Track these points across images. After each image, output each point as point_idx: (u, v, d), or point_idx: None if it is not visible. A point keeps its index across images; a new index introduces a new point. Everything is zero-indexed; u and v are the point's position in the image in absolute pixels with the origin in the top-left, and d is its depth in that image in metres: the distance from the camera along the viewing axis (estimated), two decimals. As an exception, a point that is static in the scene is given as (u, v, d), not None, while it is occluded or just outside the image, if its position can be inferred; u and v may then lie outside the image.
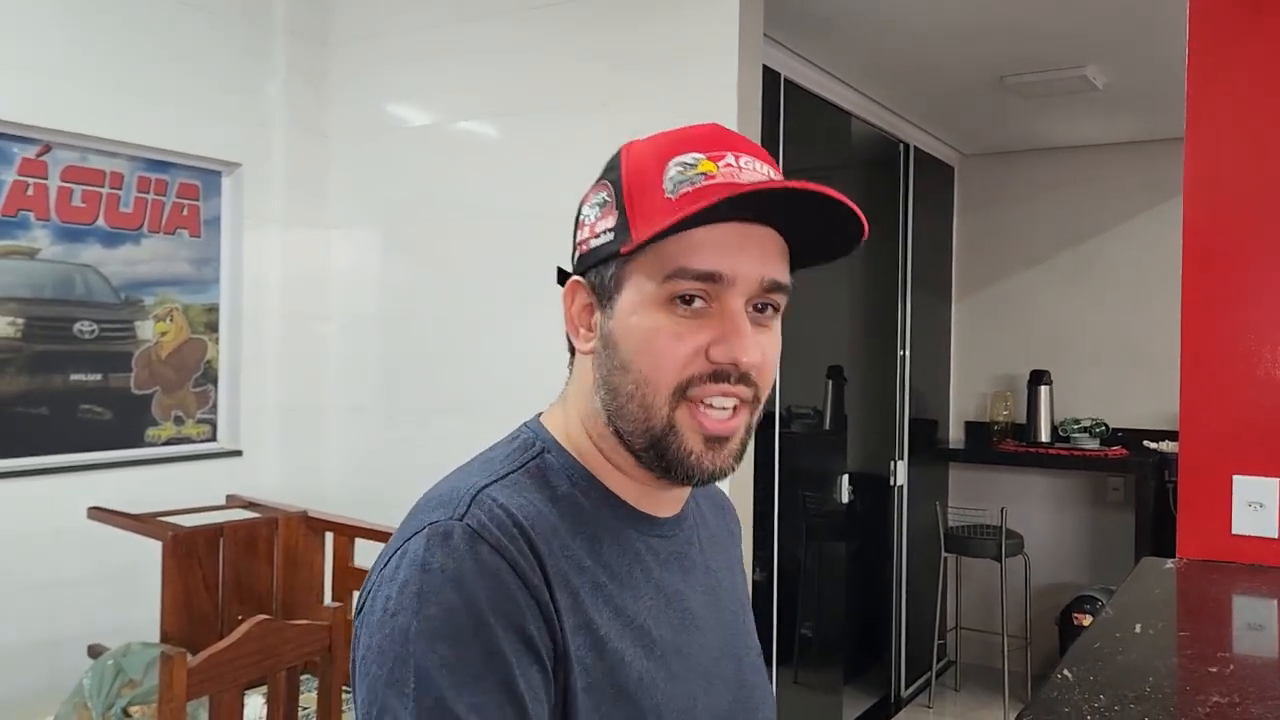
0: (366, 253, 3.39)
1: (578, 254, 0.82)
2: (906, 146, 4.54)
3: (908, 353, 4.60)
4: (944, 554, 4.62)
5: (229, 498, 2.87)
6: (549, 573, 0.71)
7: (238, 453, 3.19)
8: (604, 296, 0.79)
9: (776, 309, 0.79)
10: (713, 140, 0.78)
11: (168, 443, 3.05)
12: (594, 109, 2.90)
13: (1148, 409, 4.51)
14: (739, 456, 0.79)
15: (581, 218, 0.82)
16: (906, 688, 4.61)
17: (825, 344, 4.24)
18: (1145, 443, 4.47)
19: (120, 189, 2.92)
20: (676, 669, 0.78)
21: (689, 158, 0.76)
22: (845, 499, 3.96)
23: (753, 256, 0.76)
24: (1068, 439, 4.68)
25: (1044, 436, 4.72)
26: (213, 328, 3.19)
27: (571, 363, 0.84)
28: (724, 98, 2.73)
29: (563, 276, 0.84)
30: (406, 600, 0.68)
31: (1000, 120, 4.40)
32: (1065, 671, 1.31)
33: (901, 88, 3.97)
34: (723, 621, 0.87)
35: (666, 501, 0.84)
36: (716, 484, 1.00)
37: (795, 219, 0.77)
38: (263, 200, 3.26)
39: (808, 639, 3.92)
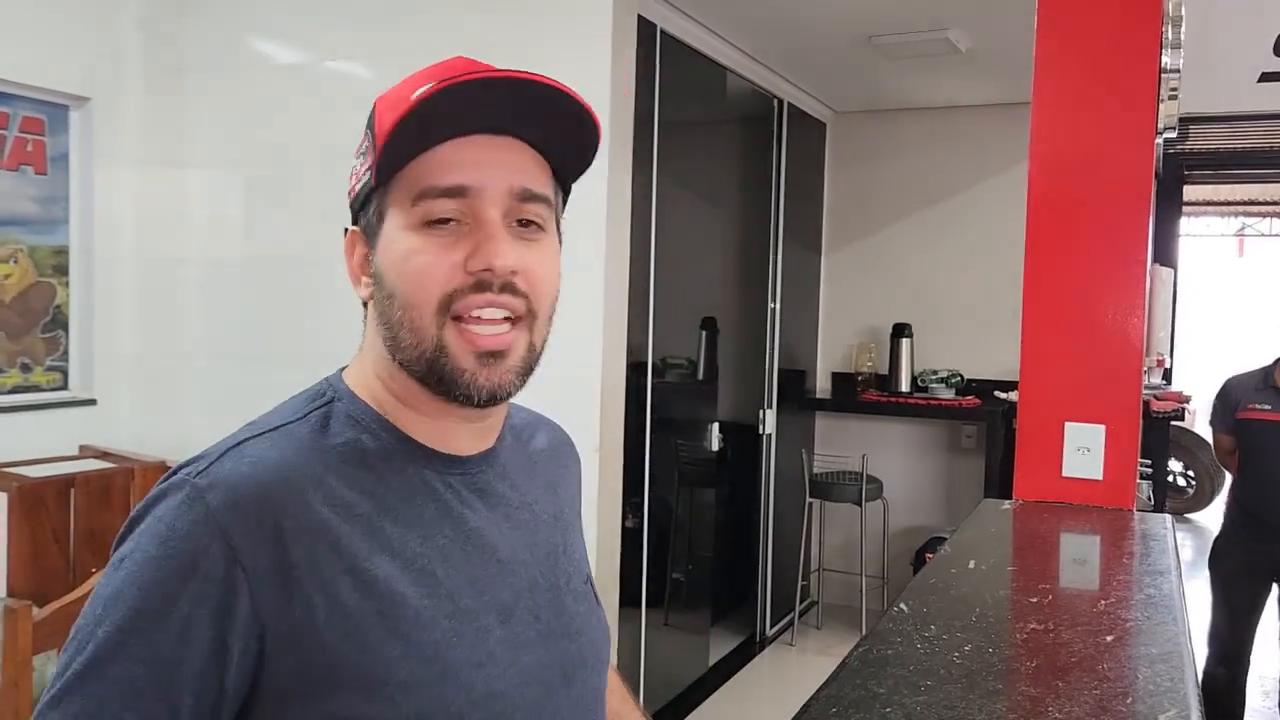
0: (228, 195, 3.27)
1: (349, 204, 0.84)
2: (780, 102, 4.62)
3: (778, 305, 4.72)
4: (808, 499, 4.80)
5: (82, 448, 2.78)
6: (289, 529, 0.73)
7: (91, 401, 3.07)
8: (371, 237, 0.81)
9: (541, 225, 0.81)
10: (457, 68, 0.78)
11: (13, 391, 2.91)
12: (464, 52, 2.85)
13: (1000, 361, 4.75)
14: (522, 374, 0.80)
15: (351, 171, 0.84)
16: (771, 627, 4.80)
17: (699, 296, 4.31)
18: (996, 393, 4.71)
19: (-44, 121, 2.75)
20: (466, 604, 0.79)
21: (424, 87, 0.75)
22: (716, 447, 4.07)
23: (500, 167, 0.78)
24: (926, 389, 4.89)
25: (904, 387, 4.93)
26: (62, 270, 3.05)
27: (365, 314, 0.85)
28: (598, 47, 2.73)
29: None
30: (116, 556, 0.74)
31: (870, 79, 4.51)
32: (902, 605, 1.40)
33: (776, 44, 4.03)
34: (539, 554, 0.88)
35: (469, 437, 0.85)
36: (553, 421, 1.02)
37: (543, 127, 0.79)
38: (115, 137, 3.11)
39: (678, 582, 4.04)
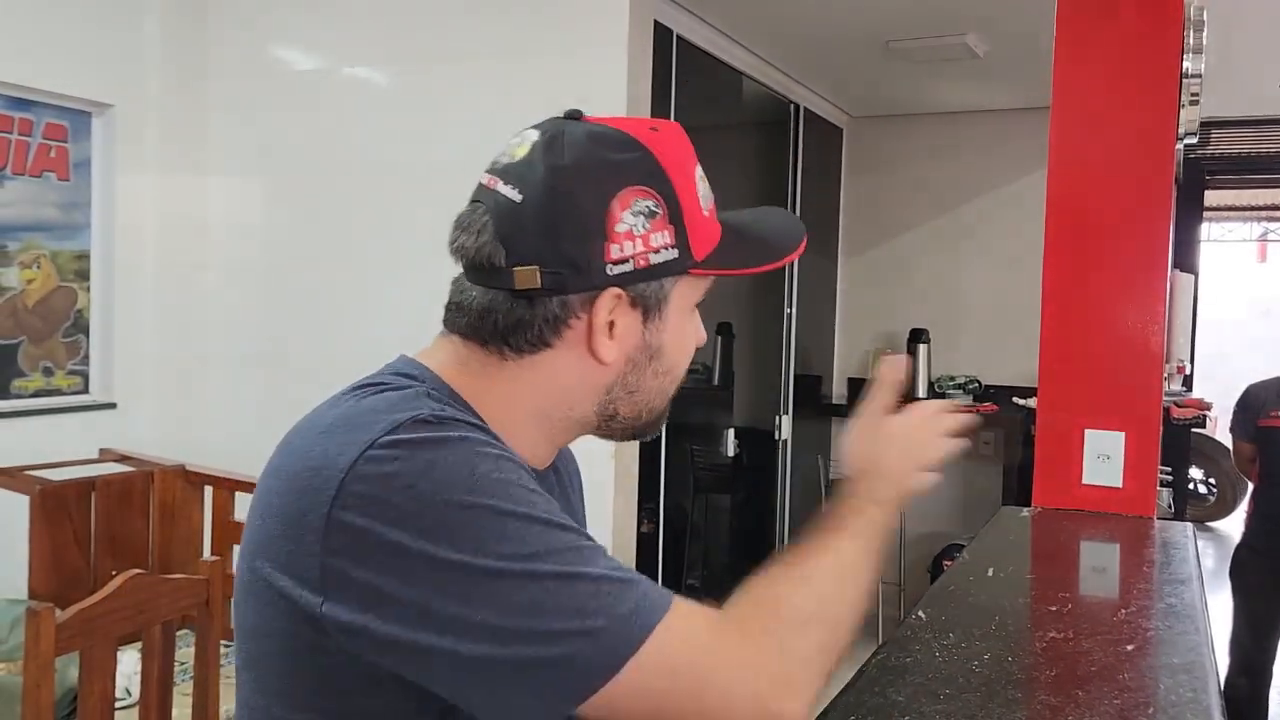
0: (248, 201, 3.30)
1: (630, 266, 0.78)
2: (797, 107, 4.61)
3: (794, 310, 4.71)
4: (825, 505, 4.77)
5: (102, 451, 2.80)
6: None
7: (112, 405, 3.10)
8: (651, 308, 0.82)
9: None
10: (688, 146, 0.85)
11: (36, 395, 2.94)
12: (483, 62, 2.87)
13: (1018, 367, 4.72)
14: None
15: (622, 227, 0.78)
16: (787, 634, 4.77)
17: (714, 301, 4.30)
18: (1014, 399, 4.68)
19: (-20, 128, 2.78)
20: None
21: (698, 170, 0.84)
22: (731, 452, 4.06)
23: None
24: (943, 395, 4.87)
25: (921, 393, 4.91)
26: (84, 276, 3.08)
27: (516, 351, 0.80)
28: (615, 53, 2.74)
29: (548, 278, 0.77)
30: (442, 471, 0.68)
31: (886, 84, 4.50)
32: (920, 612, 1.39)
33: (792, 49, 4.02)
34: None
35: (549, 459, 0.90)
36: None
37: None
38: (137, 144, 3.14)
39: (693, 588, 4.03)
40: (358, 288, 3.04)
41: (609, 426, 0.85)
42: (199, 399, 3.28)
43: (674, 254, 0.79)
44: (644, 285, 0.80)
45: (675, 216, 0.79)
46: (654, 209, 0.78)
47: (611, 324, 0.80)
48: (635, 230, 0.78)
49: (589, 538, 0.73)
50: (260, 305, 3.25)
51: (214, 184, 3.30)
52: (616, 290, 0.79)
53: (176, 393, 3.25)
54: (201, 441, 3.21)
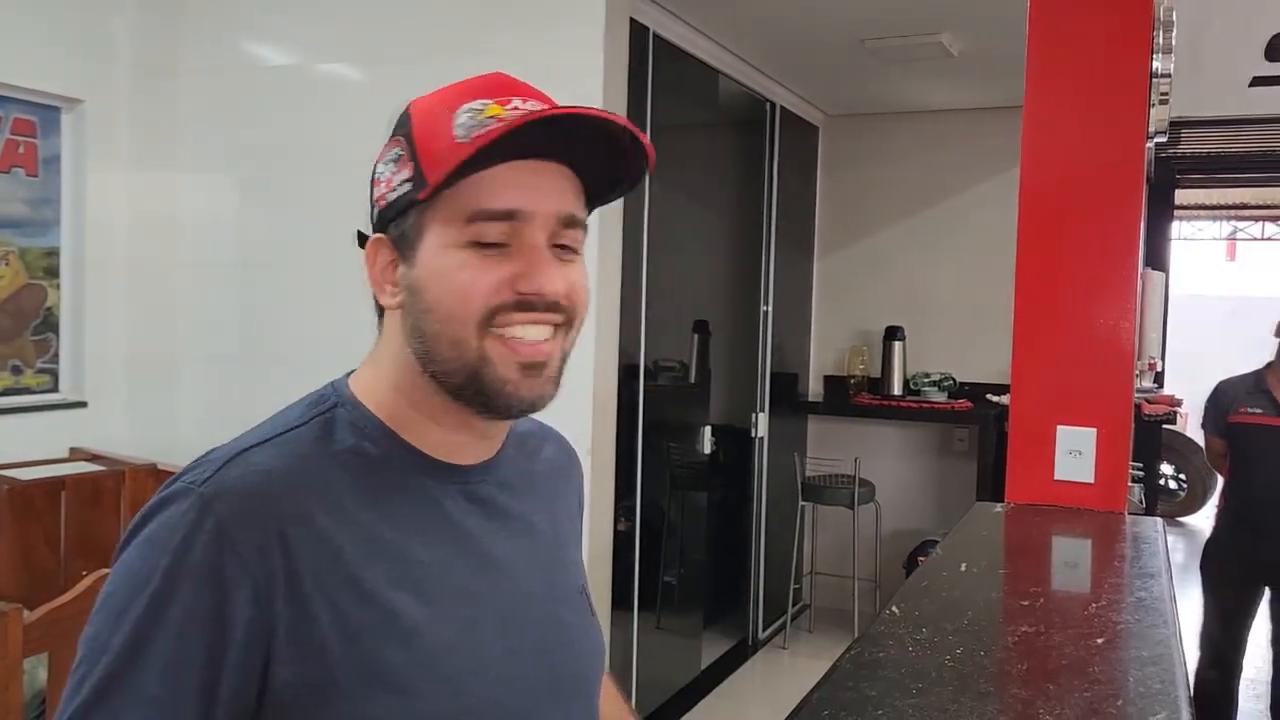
0: (221, 198, 3.27)
1: (376, 211, 0.83)
2: (773, 106, 4.62)
3: (770, 308, 4.72)
4: (801, 502, 4.80)
5: (72, 450, 2.77)
6: (295, 538, 0.73)
7: (82, 404, 3.06)
8: (406, 248, 0.80)
9: (576, 250, 0.82)
10: (498, 87, 0.81)
11: (4, 393, 2.90)
12: (458, 58, 2.86)
13: (991, 364, 4.76)
14: (556, 382, 0.82)
15: (376, 176, 0.83)
16: (764, 630, 4.80)
17: (691, 299, 4.31)
18: (988, 396, 4.72)
19: (-54, 123, 2.74)
20: (464, 613, 0.80)
21: (476, 104, 0.78)
22: (708, 450, 4.07)
23: (549, 193, 0.79)
24: (918, 392, 4.90)
25: (897, 390, 4.94)
26: (53, 273, 3.04)
27: (380, 322, 0.85)
28: (590, 51, 2.73)
29: (363, 240, 0.85)
30: (121, 564, 0.74)
31: (862, 83, 4.52)
32: (894, 608, 1.40)
33: (768, 47, 4.03)
34: (536, 565, 0.89)
35: (478, 447, 0.86)
36: (559, 433, 1.03)
37: (585, 153, 0.80)
38: (107, 140, 3.10)
39: (670, 586, 4.04)
40: (331, 285, 3.01)
41: (451, 387, 0.80)
42: (170, 398, 3.25)
43: (409, 186, 0.79)
44: (396, 226, 0.81)
45: (413, 153, 0.79)
46: (399, 153, 0.81)
47: (390, 269, 0.82)
48: (383, 176, 0.82)
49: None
50: (233, 303, 3.22)
51: (185, 181, 3.27)
52: (379, 235, 0.83)
53: (148, 391, 3.22)
54: (173, 440, 3.18)
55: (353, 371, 0.87)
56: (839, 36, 3.81)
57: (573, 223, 0.81)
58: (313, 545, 0.74)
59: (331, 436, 0.80)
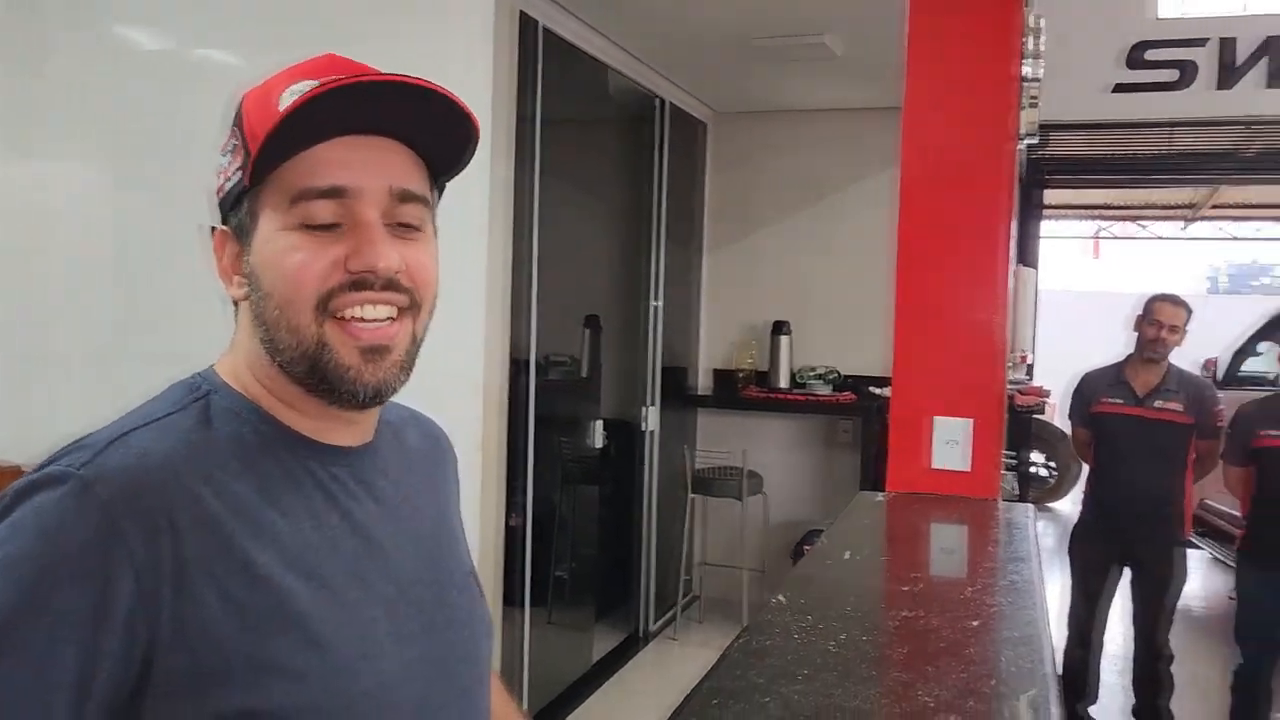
0: (94, 187, 3.10)
1: (217, 203, 0.82)
2: (662, 102, 4.65)
3: (660, 303, 4.76)
4: (690, 495, 4.86)
5: (-74, 453, 2.60)
6: (182, 523, 0.71)
7: (-63, 404, 2.88)
8: (244, 237, 0.79)
9: (418, 226, 0.80)
10: (328, 67, 0.78)
11: None
12: (342, 48, 2.78)
13: (874, 357, 4.89)
14: (405, 368, 0.80)
15: (217, 168, 0.82)
16: (655, 622, 4.84)
17: (582, 294, 4.32)
18: (871, 388, 4.85)
19: None
20: (354, 597, 0.79)
21: (303, 84, 0.76)
22: (599, 444, 4.08)
23: (378, 167, 0.78)
24: (804, 385, 5.01)
25: (784, 383, 5.04)
26: (-98, 264, 2.85)
27: (237, 312, 0.84)
28: (478, 43, 2.70)
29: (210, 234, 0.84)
30: None
31: (749, 81, 4.59)
32: (780, 596, 1.43)
33: (657, 44, 4.06)
34: (421, 547, 0.88)
35: (350, 431, 0.84)
36: (427, 415, 1.01)
37: (418, 127, 0.79)
38: (-37, 124, 2.92)
39: (561, 580, 4.04)
40: (213, 278, 2.91)
41: (295, 375, 0.78)
42: (39, 397, 3.08)
43: (240, 174, 0.78)
44: (234, 215, 0.80)
45: (243, 140, 0.78)
46: (234, 143, 0.80)
47: (237, 260, 0.81)
48: (221, 167, 0.81)
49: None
50: (108, 297, 3.08)
51: (56, 170, 3.09)
52: (222, 228, 0.82)
53: (14, 391, 3.05)
54: (41, 442, 3.01)
55: (215, 362, 0.85)
56: (726, 35, 3.86)
57: (410, 198, 0.79)
58: (202, 529, 0.71)
59: (211, 422, 0.78)
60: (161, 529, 0.70)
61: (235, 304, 0.83)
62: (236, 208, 0.79)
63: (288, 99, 0.75)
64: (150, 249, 3.06)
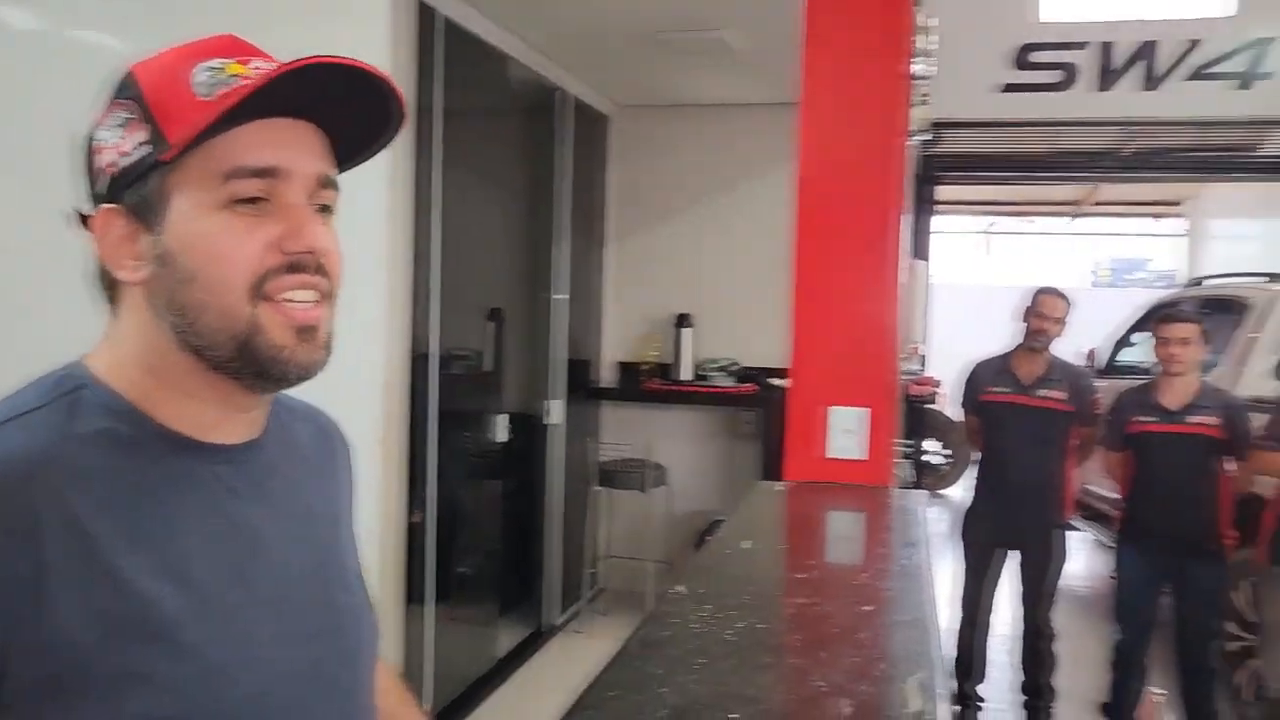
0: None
1: (106, 180, 0.78)
2: (564, 94, 4.64)
3: (564, 296, 4.75)
4: (595, 488, 4.87)
5: None
6: (45, 527, 0.68)
7: None
8: (149, 215, 0.76)
9: (330, 210, 0.80)
10: (234, 47, 0.79)
11: None
12: (233, 31, 2.71)
13: (774, 349, 4.95)
14: (328, 349, 0.80)
15: (96, 144, 0.79)
16: (560, 616, 4.84)
17: (485, 287, 4.28)
18: (771, 380, 4.93)
19: None
20: (234, 599, 0.77)
21: (214, 63, 0.76)
22: (503, 438, 4.05)
23: (306, 151, 0.78)
24: (706, 378, 5.06)
25: (686, 375, 5.08)
26: None
27: (113, 301, 0.80)
28: (375, 31, 2.65)
29: (84, 220, 0.80)
30: None
31: (651, 75, 4.61)
32: (680, 587, 1.45)
33: (559, 36, 4.04)
34: (311, 545, 0.86)
35: (238, 426, 0.82)
36: (321, 410, 0.99)
37: (333, 111, 0.79)
38: None
39: (465, 576, 4.00)
40: (86, 269, 2.80)
41: (215, 360, 0.76)
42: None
43: (148, 148, 0.76)
44: (134, 192, 0.77)
45: (147, 114, 0.77)
46: (128, 116, 0.78)
47: (129, 241, 0.77)
48: (108, 143, 0.78)
49: None
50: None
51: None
52: (109, 206, 0.78)
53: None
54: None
55: (85, 355, 0.81)
56: (628, 28, 3.87)
57: (329, 183, 0.79)
58: (65, 535, 0.68)
59: (79, 419, 0.74)
60: (19, 532, 0.67)
61: (110, 291, 0.80)
62: (139, 184, 0.76)
63: (209, 80, 0.74)
64: (14, 238, 2.92)
